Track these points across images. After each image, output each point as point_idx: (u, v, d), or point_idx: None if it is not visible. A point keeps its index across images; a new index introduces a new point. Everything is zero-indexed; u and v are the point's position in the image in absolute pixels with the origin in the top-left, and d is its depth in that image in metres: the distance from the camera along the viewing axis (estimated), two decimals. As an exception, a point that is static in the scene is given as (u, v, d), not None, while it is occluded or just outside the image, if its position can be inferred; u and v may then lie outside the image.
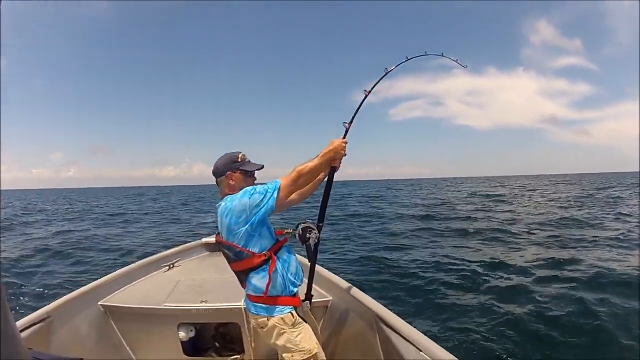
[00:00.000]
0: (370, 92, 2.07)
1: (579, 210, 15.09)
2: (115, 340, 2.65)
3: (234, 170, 1.79)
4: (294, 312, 1.77)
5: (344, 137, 1.90)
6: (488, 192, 30.98)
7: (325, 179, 1.98)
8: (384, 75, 2.13)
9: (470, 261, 6.82)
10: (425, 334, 1.77)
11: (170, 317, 2.59)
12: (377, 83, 2.11)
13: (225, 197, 1.74)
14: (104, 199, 44.48)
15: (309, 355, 1.72)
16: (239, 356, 2.64)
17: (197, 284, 2.97)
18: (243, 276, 1.78)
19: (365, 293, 2.31)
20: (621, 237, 8.57)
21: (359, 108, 2.02)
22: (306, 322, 1.83)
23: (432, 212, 15.97)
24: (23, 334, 2.01)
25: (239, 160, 1.82)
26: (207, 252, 4.06)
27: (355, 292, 2.34)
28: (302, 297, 1.95)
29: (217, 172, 1.82)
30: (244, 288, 1.82)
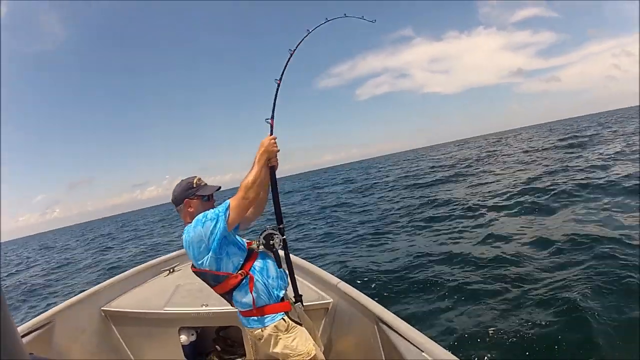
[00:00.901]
0: (281, 80, 2.01)
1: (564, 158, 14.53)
2: (116, 344, 2.67)
3: (191, 198, 1.79)
4: (286, 317, 1.78)
5: (270, 134, 1.88)
6: (465, 157, 28.97)
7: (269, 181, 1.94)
8: (290, 57, 2.07)
9: (455, 240, 6.59)
10: (425, 334, 1.73)
11: (171, 322, 2.60)
12: (285, 67, 2.05)
13: (185, 229, 1.74)
14: (83, 235, 41.87)
15: (307, 358, 1.75)
16: (240, 359, 2.64)
17: (197, 288, 2.90)
18: (228, 296, 1.80)
19: (365, 294, 2.27)
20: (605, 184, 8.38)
21: (275, 99, 1.97)
22: (301, 324, 1.84)
23: (409, 189, 15.33)
24: (25, 339, 2.02)
25: (195, 186, 1.81)
26: None
27: (356, 293, 2.32)
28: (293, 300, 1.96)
29: (176, 201, 1.82)
30: (233, 306, 1.85)
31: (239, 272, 1.71)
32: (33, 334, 2.14)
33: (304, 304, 2.01)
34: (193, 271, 1.81)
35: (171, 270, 3.49)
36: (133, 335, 2.69)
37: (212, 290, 2.80)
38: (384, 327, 1.95)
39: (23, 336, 2.02)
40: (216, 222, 1.63)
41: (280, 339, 1.74)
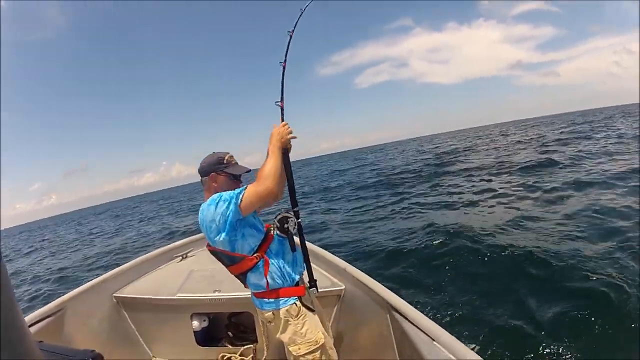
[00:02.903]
0: (285, 62, 1.93)
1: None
2: (128, 331, 2.67)
3: (219, 172, 1.75)
4: (298, 302, 1.73)
5: (282, 119, 1.84)
6: (466, 146, 27.83)
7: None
8: (290, 39, 1.99)
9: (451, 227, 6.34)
10: (437, 322, 1.74)
11: (183, 308, 2.60)
12: (287, 49, 1.96)
13: (201, 206, 1.70)
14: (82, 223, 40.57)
15: (316, 346, 1.69)
16: (252, 345, 2.63)
17: (210, 274, 2.92)
18: (242, 277, 1.78)
19: (378, 281, 2.28)
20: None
21: (282, 81, 1.91)
22: (313, 310, 1.79)
23: (410, 173, 15.94)
24: (35, 327, 2.06)
25: (225, 162, 1.77)
26: None
27: (369, 280, 2.31)
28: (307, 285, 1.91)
29: (202, 172, 1.78)
30: (246, 288, 1.82)
31: (255, 254, 1.67)
32: (44, 321, 2.14)
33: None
34: (208, 249, 1.77)
35: (184, 256, 3.48)
36: (145, 321, 2.69)
37: (224, 276, 2.76)
38: (396, 314, 1.96)
39: (33, 324, 2.06)
40: (228, 205, 1.58)
41: (290, 324, 1.70)
